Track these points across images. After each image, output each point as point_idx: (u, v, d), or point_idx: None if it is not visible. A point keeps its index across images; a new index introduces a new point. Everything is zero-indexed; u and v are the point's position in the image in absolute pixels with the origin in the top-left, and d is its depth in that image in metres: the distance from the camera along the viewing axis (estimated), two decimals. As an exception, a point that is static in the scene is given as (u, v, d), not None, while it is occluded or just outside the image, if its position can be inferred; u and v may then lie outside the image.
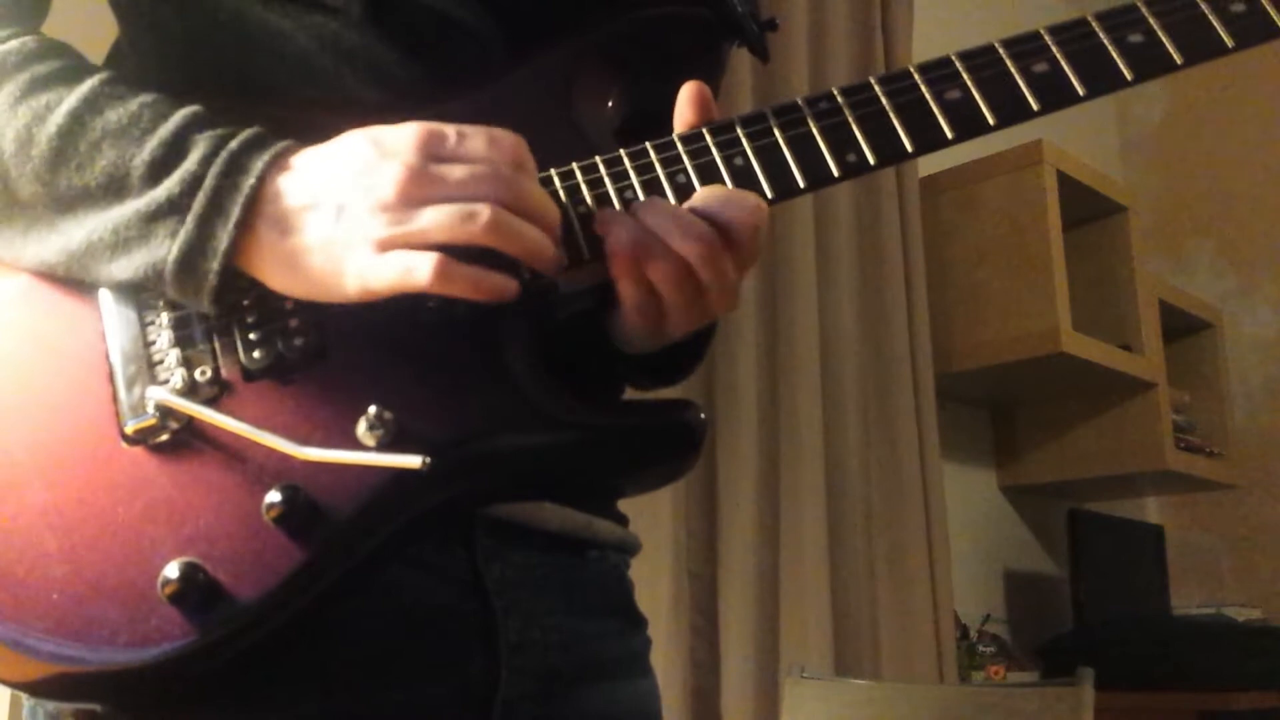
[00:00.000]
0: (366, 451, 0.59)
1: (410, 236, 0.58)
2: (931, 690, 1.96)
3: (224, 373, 0.61)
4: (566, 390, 0.64)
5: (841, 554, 2.22)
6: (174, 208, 0.59)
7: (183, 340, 0.62)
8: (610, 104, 0.70)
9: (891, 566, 2.33)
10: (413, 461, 0.58)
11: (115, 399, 0.61)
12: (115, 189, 0.60)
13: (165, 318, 0.62)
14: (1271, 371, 3.42)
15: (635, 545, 0.82)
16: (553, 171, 0.65)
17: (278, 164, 0.60)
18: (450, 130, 0.61)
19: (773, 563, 2.12)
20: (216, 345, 0.62)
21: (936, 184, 2.74)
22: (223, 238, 0.59)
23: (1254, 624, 2.94)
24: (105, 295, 0.63)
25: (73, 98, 0.62)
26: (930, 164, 2.71)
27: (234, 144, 0.60)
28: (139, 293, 0.63)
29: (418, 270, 0.58)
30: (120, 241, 0.60)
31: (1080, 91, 0.66)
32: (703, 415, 0.66)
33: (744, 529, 2.07)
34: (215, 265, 0.59)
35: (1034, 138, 2.66)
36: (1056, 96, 0.66)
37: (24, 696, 0.67)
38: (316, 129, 0.63)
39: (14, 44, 0.64)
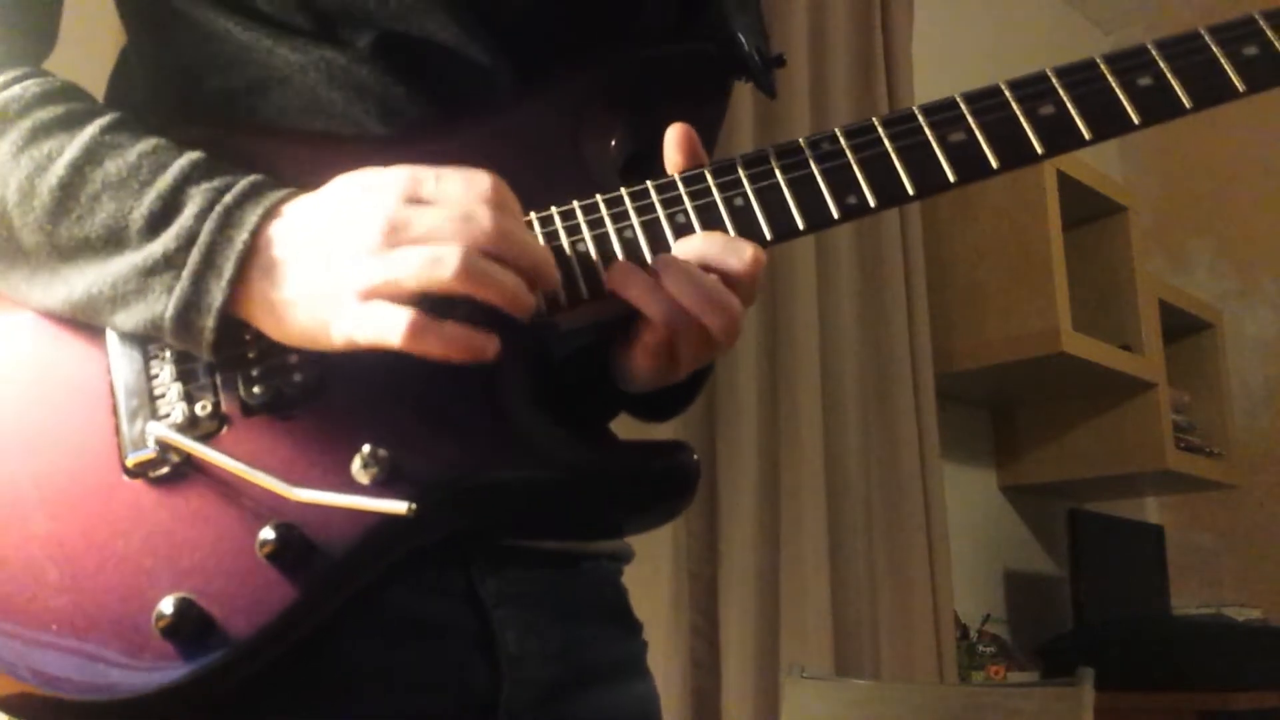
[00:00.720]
0: (355, 495, 0.59)
1: (387, 284, 0.58)
2: (931, 690, 1.96)
3: (224, 407, 0.62)
4: (563, 429, 0.65)
5: (841, 554, 2.22)
6: (169, 263, 0.60)
7: (185, 375, 0.63)
8: (614, 142, 0.70)
9: (891, 566, 2.33)
10: (399, 508, 0.58)
11: (118, 431, 0.62)
12: (115, 241, 0.61)
13: (169, 353, 0.63)
14: (1271, 371, 3.42)
15: (628, 553, 0.83)
16: (553, 210, 0.65)
17: (272, 215, 0.61)
18: (429, 174, 0.61)
19: (773, 563, 2.12)
20: (218, 380, 0.62)
21: (936, 184, 2.73)
22: (217, 294, 0.59)
23: (1254, 624, 2.94)
24: (111, 331, 0.64)
25: (73, 147, 0.62)
26: (930, 164, 2.71)
27: (229, 197, 0.61)
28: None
29: (391, 330, 0.58)
30: (119, 295, 0.61)
31: (1086, 136, 0.65)
32: (695, 457, 0.67)
33: (744, 529, 2.08)
34: (210, 322, 0.59)
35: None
36: (1062, 140, 0.65)
37: None
38: (323, 164, 0.63)
39: (16, 90, 0.64)
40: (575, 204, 0.65)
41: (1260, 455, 3.34)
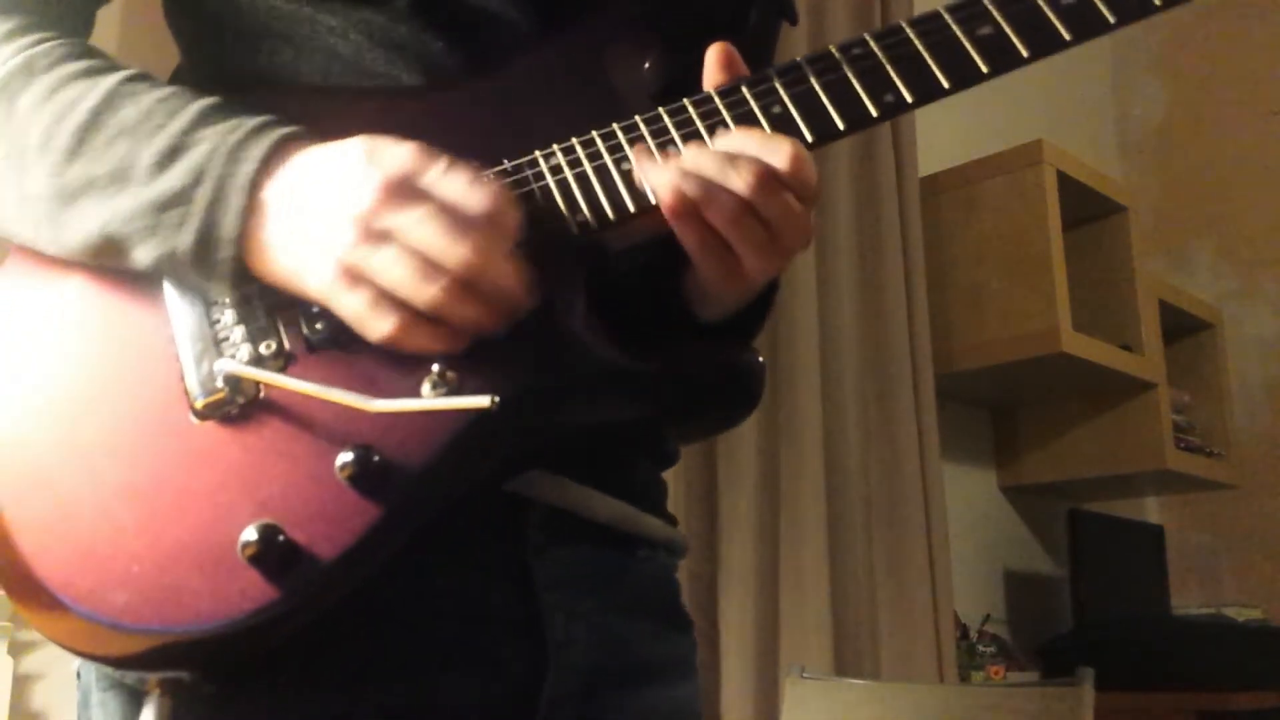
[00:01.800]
0: (432, 399, 0.60)
1: (365, 271, 0.59)
2: (931, 690, 1.96)
3: (288, 345, 0.63)
4: (624, 340, 0.66)
5: (841, 554, 2.22)
6: (180, 198, 0.61)
7: (246, 317, 0.64)
8: (648, 66, 0.71)
9: (891, 566, 2.33)
10: (481, 401, 0.59)
11: (183, 377, 0.63)
12: (120, 178, 0.62)
13: (229, 298, 0.64)
14: (1271, 371, 3.42)
15: (683, 547, 0.82)
16: (594, 132, 0.66)
17: (278, 151, 0.62)
18: (440, 162, 0.61)
19: (773, 563, 2.12)
20: (279, 320, 0.64)
21: (936, 184, 2.74)
22: (230, 226, 0.61)
23: (1254, 624, 2.94)
24: (168, 284, 0.65)
25: (94, 95, 0.64)
26: (930, 164, 2.71)
27: (238, 133, 0.62)
28: None
29: (372, 327, 0.60)
30: (134, 231, 0.62)
31: (1111, 19, 0.64)
32: (761, 359, 0.68)
33: (744, 529, 2.08)
34: (230, 251, 0.61)
35: (1034, 138, 2.66)
36: (1088, 25, 0.65)
37: (79, 670, 0.69)
38: (359, 116, 0.65)
39: (45, 46, 0.67)
40: (615, 126, 0.66)
41: (1260, 455, 3.34)
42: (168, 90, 0.65)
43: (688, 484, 2.05)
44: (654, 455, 0.81)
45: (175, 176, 0.61)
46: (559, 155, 0.66)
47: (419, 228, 0.59)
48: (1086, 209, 2.84)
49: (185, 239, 0.61)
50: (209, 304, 0.64)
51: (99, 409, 0.62)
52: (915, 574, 2.33)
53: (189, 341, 0.63)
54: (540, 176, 0.66)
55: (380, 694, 0.64)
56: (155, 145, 0.62)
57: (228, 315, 0.64)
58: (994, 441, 3.05)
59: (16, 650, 1.43)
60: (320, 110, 0.67)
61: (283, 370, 0.62)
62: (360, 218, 0.59)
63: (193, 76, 0.76)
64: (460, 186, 0.61)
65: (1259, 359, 3.44)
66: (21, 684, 1.44)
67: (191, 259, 0.61)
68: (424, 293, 0.59)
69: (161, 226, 0.61)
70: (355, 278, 0.60)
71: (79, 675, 0.69)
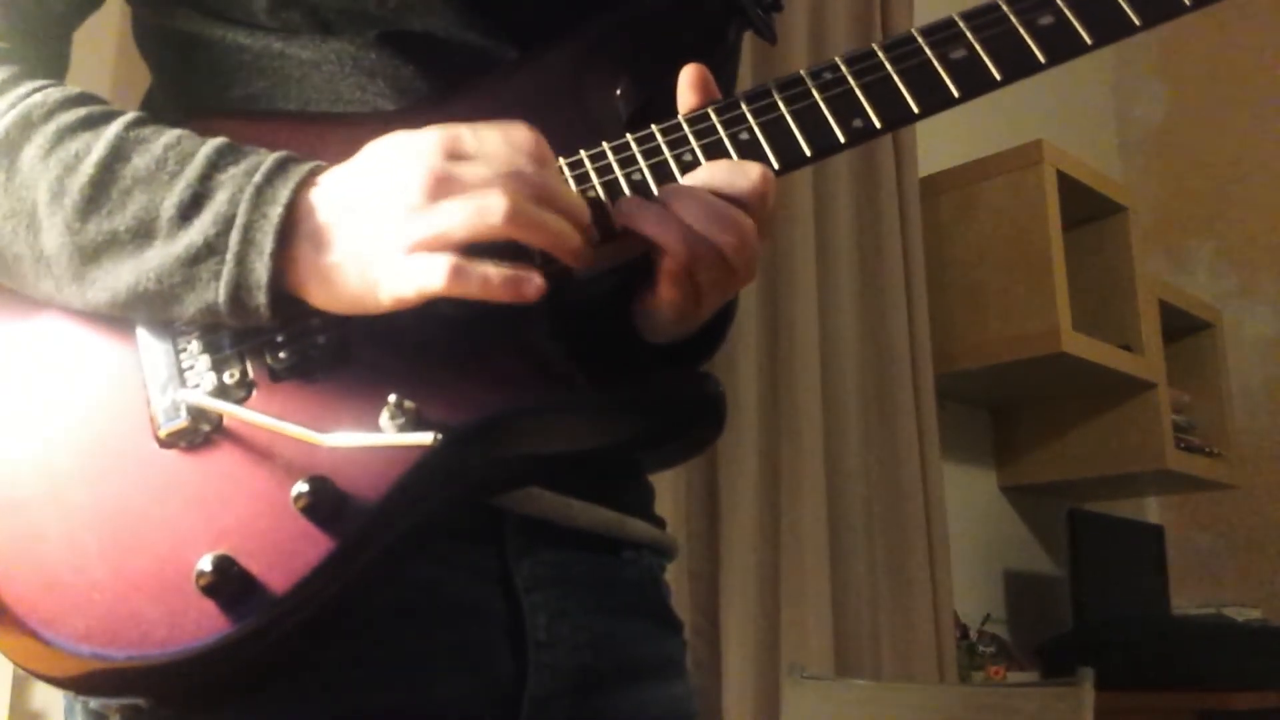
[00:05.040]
0: (382, 434, 0.60)
1: (435, 236, 0.59)
2: (931, 690, 1.96)
3: (251, 375, 0.63)
4: (586, 370, 0.66)
5: (841, 554, 2.22)
6: (211, 250, 0.60)
7: (211, 346, 0.64)
8: (619, 92, 0.71)
9: (891, 566, 2.33)
10: (424, 439, 0.59)
11: (149, 404, 0.63)
12: (144, 233, 0.61)
13: (195, 328, 0.64)
14: (1271, 371, 3.42)
15: (672, 547, 0.82)
16: (561, 161, 0.66)
17: (306, 185, 0.62)
18: (467, 130, 0.62)
19: (773, 563, 2.12)
20: (244, 349, 0.64)
21: (936, 184, 2.74)
22: (262, 272, 0.60)
23: (1254, 624, 2.94)
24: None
25: (100, 145, 0.63)
26: (930, 164, 2.71)
27: (258, 176, 0.61)
28: None
29: (432, 274, 0.58)
30: (167, 289, 0.61)
31: (1088, 40, 0.64)
32: (721, 388, 0.67)
33: (744, 529, 2.07)
34: (263, 299, 0.60)
35: (1034, 138, 2.66)
36: (1065, 47, 0.65)
37: (63, 694, 0.68)
38: (341, 140, 0.65)
39: (38, 96, 0.65)
40: (583, 153, 0.66)
41: (1260, 455, 3.34)
42: (175, 134, 0.64)
43: (688, 484, 2.05)
44: (633, 462, 0.80)
45: (201, 228, 0.61)
46: None
47: (479, 177, 0.59)
48: (1086, 209, 2.84)
49: (222, 292, 0.60)
50: (176, 334, 0.64)
51: (70, 437, 0.63)
52: (915, 574, 2.33)
53: (155, 370, 0.63)
54: None
55: (365, 696, 0.64)
56: (175, 195, 0.61)
57: (193, 345, 0.64)
58: (994, 441, 3.05)
59: (16, 650, 1.43)
60: (298, 136, 0.67)
61: (245, 400, 0.62)
62: (416, 199, 0.59)
63: (167, 102, 0.76)
64: (498, 138, 0.61)
65: (1259, 359, 3.44)
66: (21, 684, 1.44)
67: (228, 310, 0.60)
68: (494, 218, 0.58)
69: (196, 281, 0.61)
70: (425, 247, 0.59)
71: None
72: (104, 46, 1.48)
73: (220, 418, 0.62)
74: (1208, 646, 2.62)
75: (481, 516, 0.68)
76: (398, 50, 0.71)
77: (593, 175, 0.66)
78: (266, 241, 0.60)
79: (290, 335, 0.63)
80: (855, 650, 2.19)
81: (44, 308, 0.66)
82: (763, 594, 2.08)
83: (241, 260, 0.60)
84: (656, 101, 0.69)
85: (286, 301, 0.61)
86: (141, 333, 0.64)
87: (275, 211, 0.60)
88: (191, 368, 0.63)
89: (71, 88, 0.67)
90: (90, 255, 0.62)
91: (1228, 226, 3.55)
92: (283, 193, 0.61)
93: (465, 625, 0.67)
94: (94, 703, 0.63)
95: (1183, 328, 3.20)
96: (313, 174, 0.62)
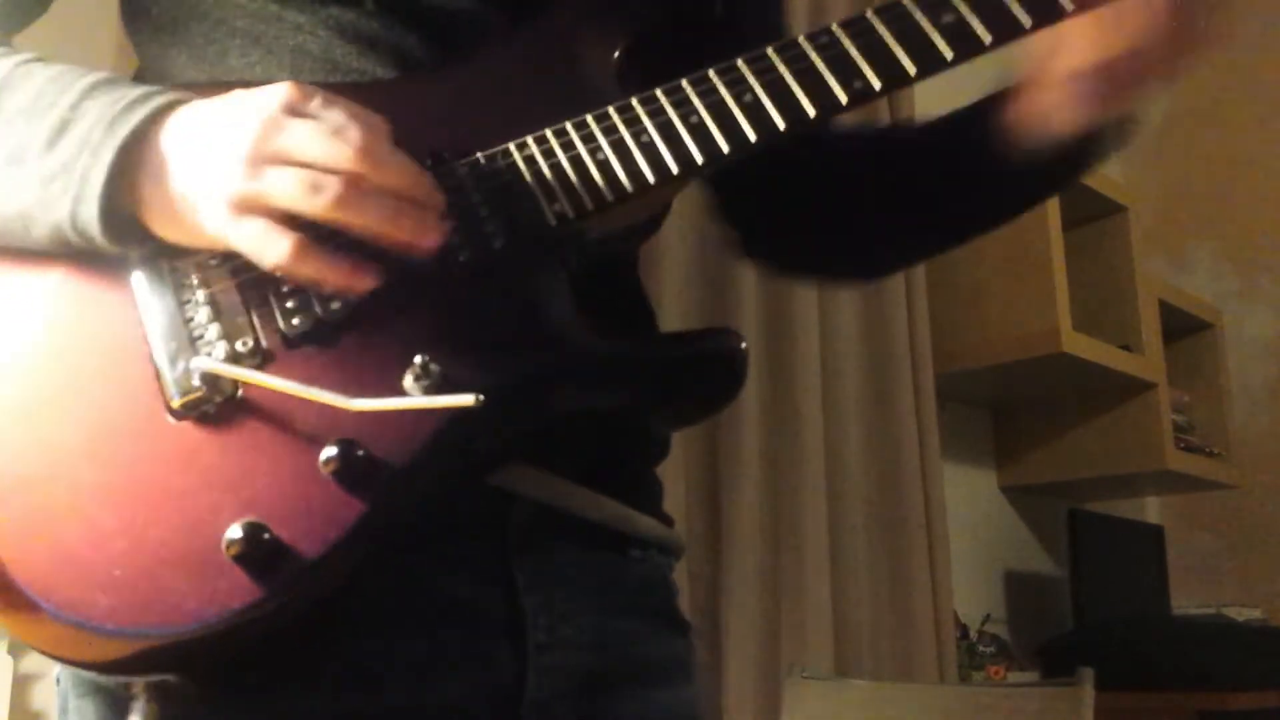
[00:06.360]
0: (414, 397, 0.60)
1: (256, 196, 0.59)
2: (931, 690, 1.96)
3: (265, 342, 0.62)
4: (606, 328, 0.66)
5: (842, 554, 2.22)
6: (65, 170, 0.61)
7: (221, 314, 0.63)
8: (617, 55, 0.71)
9: (891, 566, 2.33)
10: (466, 400, 0.59)
11: (158, 376, 0.62)
12: (16, 160, 0.62)
13: (201, 295, 0.63)
14: (1271, 371, 3.42)
15: (679, 547, 0.81)
16: (567, 122, 0.66)
17: (161, 116, 0.62)
18: (318, 91, 0.62)
19: (773, 563, 2.12)
20: (254, 316, 0.63)
21: (936, 184, 2.73)
22: (96, 184, 0.60)
23: (1254, 624, 2.94)
24: (138, 278, 0.64)
25: None
26: (930, 164, 2.71)
27: (120, 105, 0.62)
28: (171, 272, 0.64)
29: (269, 251, 0.60)
30: (26, 210, 0.62)
31: (1068, 6, 0.65)
32: (744, 345, 0.68)
33: (744, 529, 2.07)
34: (94, 209, 0.60)
35: (1034, 138, 2.66)
36: (1046, 13, 0.66)
37: (55, 689, 0.68)
38: None
39: None
40: (588, 115, 0.67)
41: (1260, 455, 3.33)
42: (60, 68, 0.65)
43: (689, 484, 2.05)
44: (644, 450, 0.80)
45: (62, 151, 0.61)
46: (532, 146, 0.66)
47: (304, 142, 0.60)
48: (1086, 209, 2.84)
49: (66, 208, 0.61)
50: (182, 301, 0.63)
51: (74, 411, 0.61)
52: (915, 574, 2.33)
53: (163, 340, 0.62)
54: (514, 167, 0.66)
55: (365, 696, 0.63)
56: (47, 122, 0.62)
57: (202, 313, 0.63)
58: (994, 441, 3.05)
59: (16, 650, 1.43)
60: None
61: (260, 368, 0.61)
62: (245, 150, 0.60)
63: (155, 81, 0.76)
64: (343, 111, 0.61)
65: (1259, 359, 3.44)
66: (21, 684, 1.44)
67: (70, 226, 0.61)
68: (318, 199, 0.59)
69: (50, 200, 0.61)
70: (247, 207, 0.60)
71: (58, 681, 0.68)
72: (104, 47, 1.47)
73: (235, 387, 0.61)
74: (1208, 647, 2.62)
75: (486, 510, 0.68)
76: (395, 21, 0.71)
77: (599, 135, 0.66)
78: (106, 157, 0.60)
79: (302, 300, 0.63)
80: (855, 650, 2.19)
81: (37, 272, 0.65)
82: (763, 594, 2.08)
83: (85, 178, 0.60)
84: (654, 66, 0.69)
85: (128, 226, 0.62)
86: (143, 301, 0.64)
87: (122, 132, 0.61)
88: (201, 336, 0.62)
89: None
90: None
91: (1228, 227, 3.55)
92: (134, 119, 0.61)
93: (465, 626, 0.67)
94: (113, 681, 0.62)
95: (1183, 328, 3.19)
96: (171, 105, 0.63)
